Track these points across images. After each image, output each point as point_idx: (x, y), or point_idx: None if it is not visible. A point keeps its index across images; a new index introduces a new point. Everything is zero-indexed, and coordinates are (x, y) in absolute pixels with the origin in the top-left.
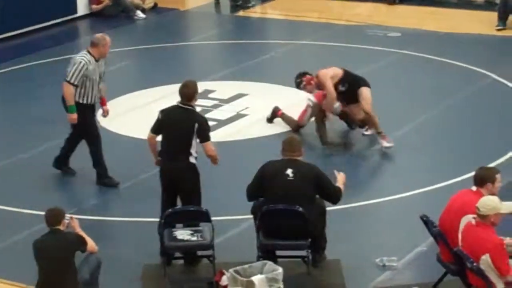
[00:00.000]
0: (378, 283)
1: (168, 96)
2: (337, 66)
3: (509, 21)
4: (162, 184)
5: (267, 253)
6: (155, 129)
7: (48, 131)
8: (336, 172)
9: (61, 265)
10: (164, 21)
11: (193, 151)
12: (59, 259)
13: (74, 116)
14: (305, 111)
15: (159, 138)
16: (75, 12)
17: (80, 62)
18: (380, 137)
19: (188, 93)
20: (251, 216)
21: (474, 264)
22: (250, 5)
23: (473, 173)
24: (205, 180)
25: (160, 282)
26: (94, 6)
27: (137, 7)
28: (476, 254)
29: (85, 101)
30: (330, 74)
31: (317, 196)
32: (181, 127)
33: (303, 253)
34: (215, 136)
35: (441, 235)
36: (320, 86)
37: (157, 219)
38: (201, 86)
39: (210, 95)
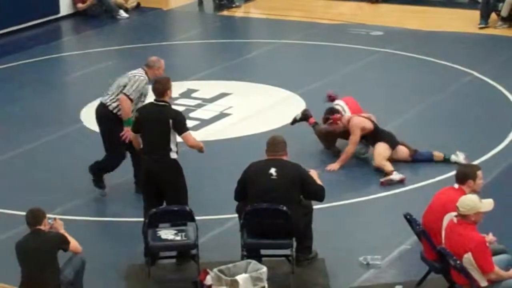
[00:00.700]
0: (362, 282)
1: (151, 95)
2: (369, 117)
3: (491, 19)
4: (143, 180)
5: (251, 252)
6: (135, 128)
7: (28, 132)
8: (308, 170)
9: (43, 265)
10: (147, 21)
11: (172, 146)
12: (41, 259)
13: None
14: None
15: None
16: (58, 12)
17: (142, 80)
18: (393, 172)
19: (160, 89)
20: (235, 215)
21: (458, 262)
22: (234, 5)
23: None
24: (189, 179)
25: (144, 282)
26: (80, 5)
27: (120, 6)
28: (459, 253)
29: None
30: (362, 126)
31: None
32: (156, 123)
33: (287, 252)
34: (199, 135)
35: (425, 233)
36: (346, 128)
37: (141, 219)
38: (185, 86)
39: (193, 95)
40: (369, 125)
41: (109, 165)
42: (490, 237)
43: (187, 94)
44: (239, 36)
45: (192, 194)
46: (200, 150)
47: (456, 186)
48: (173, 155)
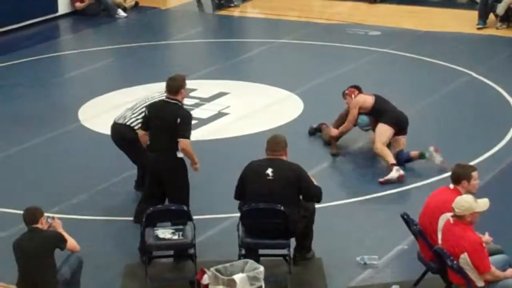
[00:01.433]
0: (359, 282)
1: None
2: (371, 94)
3: (489, 20)
4: (148, 178)
5: (248, 252)
6: (144, 126)
7: (26, 130)
8: None
9: (40, 263)
10: (146, 20)
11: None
12: (38, 257)
13: None
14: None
15: None
16: (56, 11)
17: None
18: (394, 167)
19: (173, 86)
20: (233, 215)
21: (454, 262)
22: (233, 4)
23: None
24: None
25: (141, 281)
26: (78, 4)
27: (119, 5)
28: (455, 253)
29: None
30: (360, 103)
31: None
32: (165, 121)
33: (284, 251)
34: (196, 135)
35: (422, 233)
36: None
37: None
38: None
39: (192, 94)
40: (368, 104)
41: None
42: (486, 237)
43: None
44: (237, 36)
45: (190, 193)
46: (192, 160)
47: (452, 186)
48: (180, 154)
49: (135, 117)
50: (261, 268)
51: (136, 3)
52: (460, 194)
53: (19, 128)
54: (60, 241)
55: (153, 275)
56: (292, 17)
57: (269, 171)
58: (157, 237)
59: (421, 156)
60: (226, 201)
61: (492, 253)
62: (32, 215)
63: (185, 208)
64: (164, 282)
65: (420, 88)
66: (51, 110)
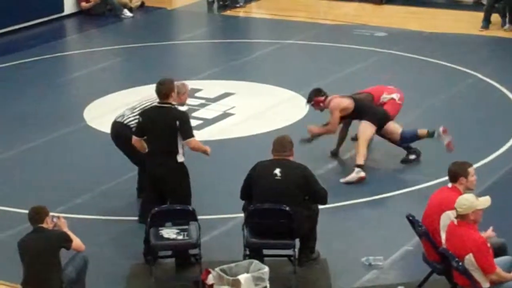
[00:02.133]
0: (364, 282)
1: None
2: (348, 96)
3: (495, 21)
4: (149, 185)
5: (253, 252)
6: (138, 132)
7: (32, 130)
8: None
9: (45, 263)
10: (151, 20)
11: (179, 149)
12: (43, 257)
13: None
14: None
15: None
16: (62, 10)
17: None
18: (356, 168)
19: (162, 90)
20: (238, 215)
21: (460, 263)
22: (238, 5)
23: None
24: (191, 179)
25: (146, 281)
26: (84, 4)
27: (124, 5)
28: (460, 254)
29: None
30: (343, 106)
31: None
32: (163, 126)
33: (289, 252)
34: (202, 135)
35: (427, 234)
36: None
37: None
38: (188, 85)
39: (197, 94)
40: (350, 105)
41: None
42: (489, 232)
43: (190, 93)
44: (243, 36)
45: (194, 194)
46: (205, 153)
47: (450, 185)
48: (180, 158)
49: (133, 116)
50: (266, 269)
51: (142, 3)
52: (459, 191)
53: (25, 127)
54: (66, 241)
55: (158, 275)
56: (298, 18)
57: (277, 171)
58: (161, 237)
59: (430, 135)
60: (231, 201)
61: (496, 247)
62: (37, 215)
63: (190, 208)
64: (169, 282)
65: (425, 89)
66: (56, 110)
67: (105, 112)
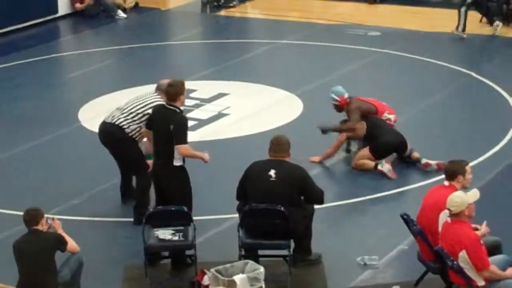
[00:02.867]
0: (359, 282)
1: None
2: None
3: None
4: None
5: (249, 252)
6: (147, 124)
7: (26, 131)
8: None
9: (41, 265)
10: (145, 21)
11: (176, 153)
12: (38, 259)
13: None
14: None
15: None
16: (56, 11)
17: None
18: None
19: (171, 92)
20: (233, 216)
21: (455, 262)
22: (232, 4)
23: None
24: None
25: (141, 282)
26: (78, 5)
27: (118, 6)
28: (454, 251)
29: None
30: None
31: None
32: (161, 127)
33: (285, 252)
34: (196, 135)
35: (422, 233)
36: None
37: None
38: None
39: (192, 95)
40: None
41: (146, 183)
42: (483, 229)
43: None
44: (237, 36)
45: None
46: (199, 158)
47: (446, 183)
48: (177, 162)
49: (124, 117)
50: (261, 269)
51: (136, 4)
52: (456, 189)
53: (19, 129)
54: (61, 243)
55: (153, 276)
56: (292, 18)
57: (272, 172)
58: (157, 238)
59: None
60: (226, 202)
61: (491, 245)
62: (32, 217)
63: (185, 209)
64: (164, 283)
65: (420, 89)
66: (51, 111)
67: (99, 113)
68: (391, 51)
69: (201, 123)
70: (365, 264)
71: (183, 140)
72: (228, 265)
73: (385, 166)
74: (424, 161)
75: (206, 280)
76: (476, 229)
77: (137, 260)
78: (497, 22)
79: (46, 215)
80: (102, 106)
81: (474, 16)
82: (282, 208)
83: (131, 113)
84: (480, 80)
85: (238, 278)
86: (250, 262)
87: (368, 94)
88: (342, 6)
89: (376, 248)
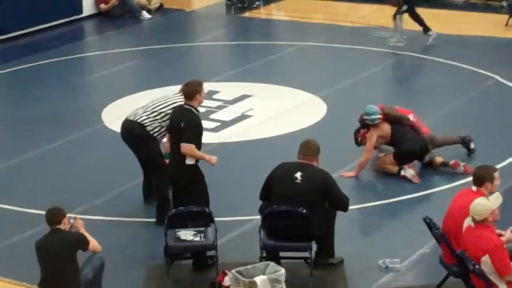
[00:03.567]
0: (380, 285)
1: None
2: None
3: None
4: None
5: (270, 254)
6: (168, 129)
7: (50, 131)
8: None
9: (63, 264)
10: (170, 22)
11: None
12: (60, 258)
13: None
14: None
15: None
16: (81, 12)
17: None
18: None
19: (187, 91)
20: (255, 217)
21: (476, 266)
22: (255, 5)
23: None
24: (208, 180)
25: (163, 282)
26: (103, 6)
27: (143, 7)
28: (477, 255)
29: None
30: (380, 133)
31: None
32: (175, 126)
33: (306, 254)
34: (219, 137)
35: (444, 237)
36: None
37: None
38: (206, 87)
39: (215, 96)
40: (387, 133)
41: (164, 182)
42: (507, 235)
43: (208, 95)
44: (261, 38)
45: (211, 195)
46: (205, 160)
47: (474, 188)
48: (189, 161)
49: (146, 115)
50: (282, 271)
51: (161, 5)
52: (483, 195)
53: (43, 129)
54: (83, 243)
55: (175, 276)
56: (317, 20)
57: (298, 175)
58: (178, 239)
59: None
60: (248, 203)
61: None
62: (54, 216)
63: (207, 210)
64: (185, 284)
65: (444, 92)
66: (75, 112)
67: (123, 113)
68: (415, 54)
69: (224, 124)
70: (386, 267)
71: (190, 139)
72: (249, 266)
73: (408, 171)
74: (453, 161)
75: (227, 281)
76: (501, 235)
77: (159, 260)
78: None
79: (68, 215)
80: (126, 107)
81: (500, 18)
82: (304, 211)
83: (154, 111)
84: (505, 84)
85: (259, 279)
86: (271, 264)
87: (391, 97)
88: (366, 8)
89: (398, 251)
